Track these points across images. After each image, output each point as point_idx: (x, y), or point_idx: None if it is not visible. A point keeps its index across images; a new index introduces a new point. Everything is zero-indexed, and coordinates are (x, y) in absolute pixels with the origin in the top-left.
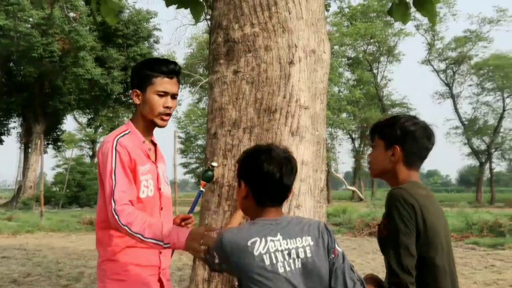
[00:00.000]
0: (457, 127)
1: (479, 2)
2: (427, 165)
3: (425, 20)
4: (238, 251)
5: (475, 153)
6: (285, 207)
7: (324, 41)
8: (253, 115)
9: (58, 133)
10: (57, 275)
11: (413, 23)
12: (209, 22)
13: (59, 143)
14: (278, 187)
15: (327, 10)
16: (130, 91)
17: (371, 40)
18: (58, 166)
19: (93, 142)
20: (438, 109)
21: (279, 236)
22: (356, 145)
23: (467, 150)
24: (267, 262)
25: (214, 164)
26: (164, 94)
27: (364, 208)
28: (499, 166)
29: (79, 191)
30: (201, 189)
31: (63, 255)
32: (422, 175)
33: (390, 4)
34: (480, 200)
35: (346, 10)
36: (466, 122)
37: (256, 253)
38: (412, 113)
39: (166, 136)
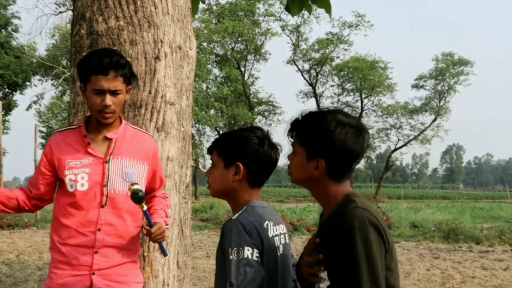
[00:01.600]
0: None
1: (339, 7)
2: None
3: (291, 21)
4: (262, 231)
5: None
6: None
7: (191, 38)
8: None
9: None
10: None
11: (279, 23)
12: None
13: None
14: (273, 169)
15: (203, 2)
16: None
17: (239, 39)
18: None
19: None
20: (302, 108)
21: (272, 222)
22: None
23: None
24: (276, 244)
25: (136, 187)
26: (99, 92)
27: None
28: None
29: None
30: (144, 209)
31: None
32: (286, 171)
33: (257, 4)
34: None
35: (215, 7)
36: None
37: (270, 235)
38: (277, 111)
39: (27, 130)
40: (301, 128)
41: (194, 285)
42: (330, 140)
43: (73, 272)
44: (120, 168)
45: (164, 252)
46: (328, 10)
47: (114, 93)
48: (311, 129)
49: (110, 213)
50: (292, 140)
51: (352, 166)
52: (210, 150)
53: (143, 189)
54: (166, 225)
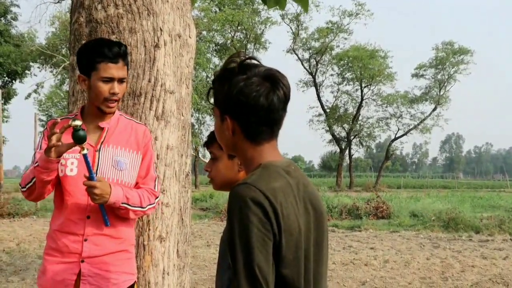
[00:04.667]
0: (319, 115)
1: None
2: (291, 151)
3: (290, 10)
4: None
5: (336, 139)
6: None
7: (190, 26)
8: None
9: None
10: None
11: (279, 12)
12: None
13: None
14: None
15: None
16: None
17: (239, 27)
18: None
19: None
20: (302, 97)
21: None
22: None
23: (328, 136)
24: None
25: (77, 122)
26: (109, 80)
27: None
28: (357, 152)
29: None
30: (84, 152)
31: None
32: None
33: None
34: (340, 184)
35: None
36: (328, 110)
37: None
38: None
39: (27, 119)
40: (213, 86)
41: (194, 274)
42: (228, 92)
43: (63, 260)
44: (110, 157)
45: (105, 220)
46: (305, 6)
47: (121, 81)
48: (214, 83)
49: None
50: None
51: (269, 123)
52: (208, 143)
53: (135, 179)
54: (128, 204)
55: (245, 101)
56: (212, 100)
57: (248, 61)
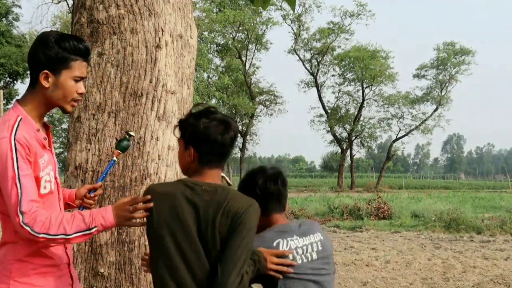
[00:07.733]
0: (321, 115)
1: None
2: (293, 152)
3: (292, 10)
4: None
5: (337, 140)
6: None
7: (191, 26)
8: (119, 99)
9: None
10: None
11: (280, 12)
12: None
13: None
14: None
15: None
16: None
17: (240, 28)
18: None
19: None
20: (304, 97)
21: (295, 237)
22: None
23: (330, 137)
24: (291, 257)
25: (132, 133)
26: (80, 79)
27: None
28: (358, 153)
29: None
30: (114, 158)
31: None
32: (288, 161)
33: None
34: (342, 185)
35: None
36: (329, 111)
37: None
38: (278, 101)
39: None
40: (182, 125)
41: None
42: (195, 130)
43: (57, 273)
44: (54, 158)
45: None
46: (292, 5)
47: (84, 81)
48: (185, 124)
49: (62, 203)
50: (178, 136)
51: (218, 155)
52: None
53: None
54: None
55: (207, 137)
56: (177, 134)
57: (210, 108)
